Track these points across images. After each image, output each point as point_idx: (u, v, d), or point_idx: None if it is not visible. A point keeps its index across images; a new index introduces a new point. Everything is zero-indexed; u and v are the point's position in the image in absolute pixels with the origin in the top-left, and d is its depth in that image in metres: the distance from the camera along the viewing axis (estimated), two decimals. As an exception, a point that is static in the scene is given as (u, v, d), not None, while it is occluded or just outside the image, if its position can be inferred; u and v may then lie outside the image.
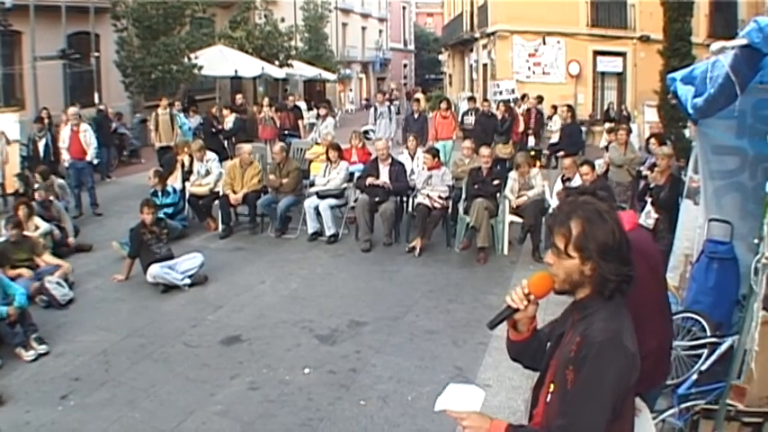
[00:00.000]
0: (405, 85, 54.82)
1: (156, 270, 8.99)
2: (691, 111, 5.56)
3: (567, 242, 2.54)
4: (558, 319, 2.86)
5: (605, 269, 2.50)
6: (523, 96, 22.92)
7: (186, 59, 22.52)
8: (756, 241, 3.79)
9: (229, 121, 17.78)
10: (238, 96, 20.82)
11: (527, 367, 3.04)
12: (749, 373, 4.10)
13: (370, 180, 11.20)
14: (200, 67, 23.08)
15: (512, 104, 20.57)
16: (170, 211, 11.52)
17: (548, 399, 2.65)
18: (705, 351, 5.52)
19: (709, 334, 5.74)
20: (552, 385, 2.62)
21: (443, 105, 17.86)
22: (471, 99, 18.56)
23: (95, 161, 14.10)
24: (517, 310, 2.73)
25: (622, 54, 29.24)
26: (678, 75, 6.00)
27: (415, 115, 17.52)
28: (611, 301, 2.55)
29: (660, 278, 3.93)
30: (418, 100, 20.34)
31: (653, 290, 3.78)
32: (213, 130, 16.73)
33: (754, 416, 4.24)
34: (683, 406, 4.70)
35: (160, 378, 6.56)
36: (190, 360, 7.00)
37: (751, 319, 3.87)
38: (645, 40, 27.01)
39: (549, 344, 2.82)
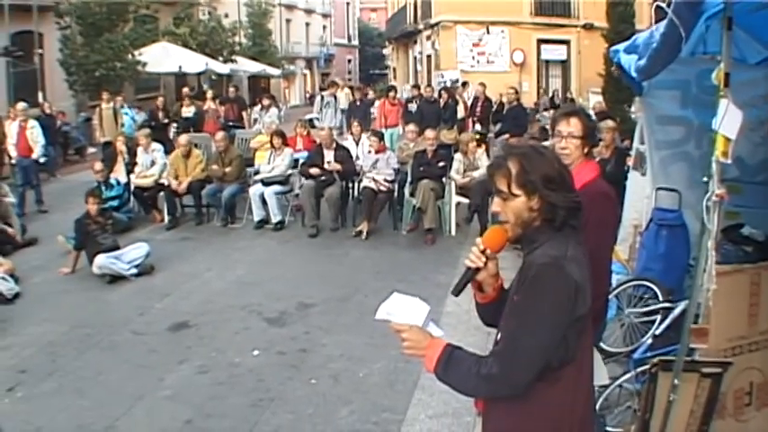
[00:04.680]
0: (350, 80, 54.61)
1: (101, 260, 8.89)
2: (635, 74, 5.56)
3: (509, 182, 2.51)
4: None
5: (552, 198, 2.47)
6: (464, 83, 22.96)
7: (130, 56, 22.21)
8: (705, 179, 3.72)
9: (189, 111, 17.82)
10: (185, 90, 20.63)
11: None
12: (708, 311, 3.95)
13: (313, 170, 11.19)
14: (145, 64, 22.76)
15: (456, 87, 20.70)
16: (115, 203, 11.33)
17: (498, 337, 2.64)
18: (658, 317, 5.57)
19: (661, 299, 5.79)
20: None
21: (392, 93, 18.05)
22: (415, 87, 18.75)
23: (42, 159, 13.75)
24: (478, 269, 2.65)
25: (566, 42, 29.67)
26: (621, 46, 6.07)
27: (358, 102, 17.73)
28: (560, 232, 2.50)
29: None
30: (360, 88, 20.98)
31: (614, 233, 3.86)
32: (153, 123, 16.73)
33: (714, 366, 4.08)
34: (639, 370, 4.67)
35: (107, 366, 6.50)
36: (137, 347, 6.96)
37: (706, 257, 3.79)
38: (589, 27, 27.40)
39: None
